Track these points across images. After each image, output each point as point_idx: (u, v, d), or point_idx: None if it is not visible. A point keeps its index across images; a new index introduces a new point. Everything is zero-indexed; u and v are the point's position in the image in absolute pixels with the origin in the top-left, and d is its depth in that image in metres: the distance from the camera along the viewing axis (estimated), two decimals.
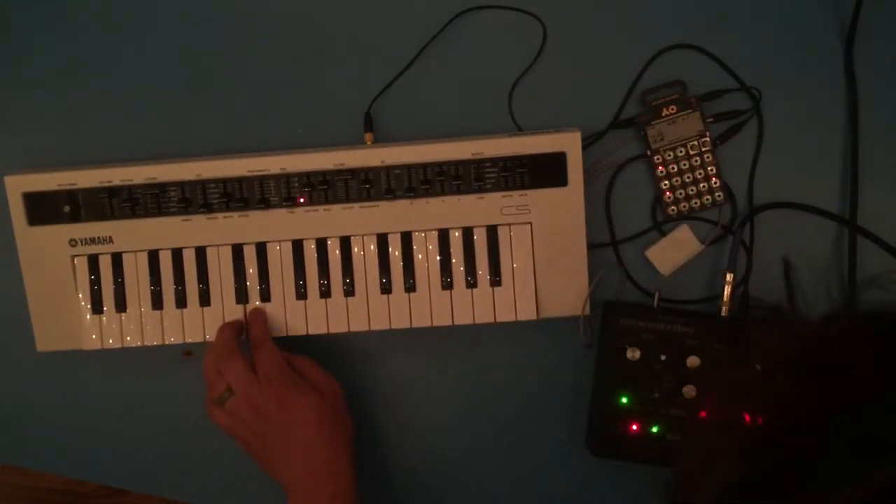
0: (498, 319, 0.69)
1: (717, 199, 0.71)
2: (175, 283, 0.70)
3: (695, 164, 0.71)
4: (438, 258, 0.69)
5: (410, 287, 0.69)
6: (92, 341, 0.71)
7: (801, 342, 0.32)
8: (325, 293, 0.70)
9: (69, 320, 0.71)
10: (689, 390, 0.67)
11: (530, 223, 0.69)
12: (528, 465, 0.74)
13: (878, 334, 0.31)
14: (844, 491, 0.26)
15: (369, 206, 0.69)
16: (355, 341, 0.74)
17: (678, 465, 0.34)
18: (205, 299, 0.70)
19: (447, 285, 0.69)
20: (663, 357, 0.67)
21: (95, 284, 0.70)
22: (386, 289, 0.69)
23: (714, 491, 0.30)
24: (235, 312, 0.70)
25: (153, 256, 0.70)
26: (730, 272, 0.69)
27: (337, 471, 0.64)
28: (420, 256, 0.69)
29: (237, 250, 0.70)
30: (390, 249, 0.69)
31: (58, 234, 0.70)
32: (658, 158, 0.71)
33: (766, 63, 0.71)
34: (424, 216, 0.69)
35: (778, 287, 0.71)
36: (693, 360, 0.67)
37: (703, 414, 0.57)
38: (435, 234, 0.69)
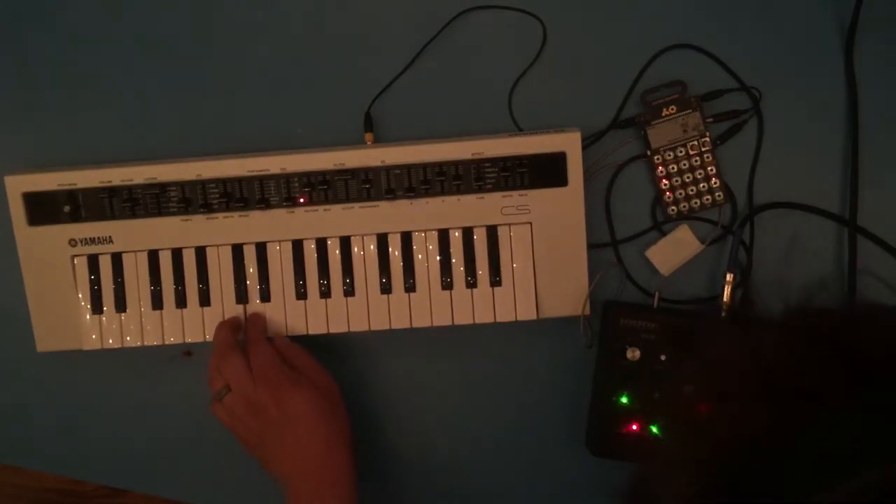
0: (498, 319, 0.69)
1: (717, 199, 0.71)
2: (175, 283, 0.70)
3: (695, 164, 0.71)
4: (438, 258, 0.69)
5: (410, 287, 0.69)
6: (92, 341, 0.71)
7: (752, 363, 0.31)
8: (325, 293, 0.70)
9: (69, 320, 0.71)
10: (689, 390, 0.67)
11: (530, 223, 0.69)
12: (527, 464, 0.74)
13: (826, 339, 0.30)
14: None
15: (369, 206, 0.69)
16: (355, 341, 0.74)
17: (639, 471, 0.34)
18: (205, 299, 0.70)
19: (447, 285, 0.69)
20: (663, 357, 0.67)
21: (95, 284, 0.70)
22: (386, 289, 0.69)
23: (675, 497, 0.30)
24: (235, 312, 0.70)
25: (153, 256, 0.70)
26: (730, 272, 0.69)
27: (335, 463, 0.64)
28: (420, 256, 0.69)
29: (237, 250, 0.70)
30: (390, 249, 0.69)
31: (58, 234, 0.70)
32: (658, 158, 0.71)
33: (766, 63, 0.71)
34: (424, 216, 0.69)
35: (778, 287, 0.71)
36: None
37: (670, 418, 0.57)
38: (435, 234, 0.69)
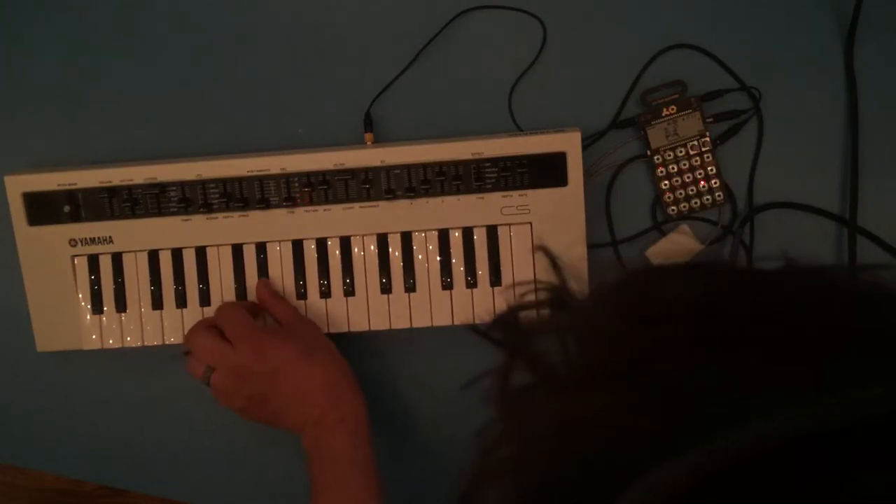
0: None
1: (717, 199, 0.71)
2: (175, 283, 0.70)
3: (695, 164, 0.71)
4: (438, 258, 0.69)
5: (410, 287, 0.69)
6: (92, 341, 0.71)
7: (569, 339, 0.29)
8: (326, 293, 0.70)
9: (69, 320, 0.71)
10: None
11: (530, 223, 0.69)
12: None
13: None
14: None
15: (369, 206, 0.69)
16: (355, 340, 0.74)
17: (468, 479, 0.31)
18: (205, 299, 0.70)
19: (447, 285, 0.69)
20: None
21: (95, 284, 0.70)
22: (386, 289, 0.69)
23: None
24: None
25: (153, 256, 0.70)
26: None
27: (337, 395, 0.63)
28: (420, 256, 0.69)
29: (237, 250, 0.70)
30: (390, 249, 0.69)
31: (58, 234, 0.70)
32: (658, 158, 0.71)
33: (766, 63, 0.71)
34: (424, 216, 0.69)
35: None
36: None
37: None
38: (435, 234, 0.69)
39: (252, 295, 0.70)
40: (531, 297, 0.31)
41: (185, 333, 0.68)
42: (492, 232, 0.69)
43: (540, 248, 0.53)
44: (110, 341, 0.71)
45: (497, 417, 0.29)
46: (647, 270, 0.31)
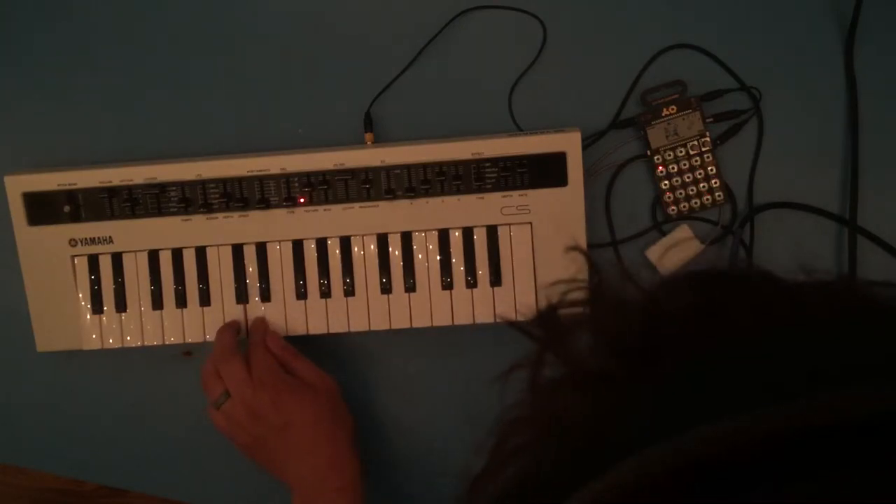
0: (498, 320, 0.69)
1: (717, 199, 0.71)
2: (175, 283, 0.70)
3: (695, 164, 0.71)
4: (438, 258, 0.69)
5: (410, 287, 0.69)
6: (92, 341, 0.71)
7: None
8: (326, 293, 0.70)
9: (69, 320, 0.71)
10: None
11: (530, 223, 0.69)
12: None
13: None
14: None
15: (369, 206, 0.69)
16: (355, 340, 0.74)
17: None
18: (205, 299, 0.70)
19: (447, 285, 0.69)
20: None
21: (95, 284, 0.70)
22: (386, 289, 0.69)
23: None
24: (235, 312, 0.70)
25: (153, 256, 0.70)
26: None
27: (340, 465, 0.64)
28: (420, 256, 0.69)
29: (237, 250, 0.70)
30: (390, 249, 0.69)
31: (58, 234, 0.70)
32: (658, 158, 0.71)
33: (766, 63, 0.71)
34: (424, 216, 0.69)
35: None
36: None
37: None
38: (435, 234, 0.69)
39: (253, 294, 0.70)
40: (574, 296, 0.32)
41: (217, 341, 0.68)
42: (492, 232, 0.69)
43: (574, 248, 0.54)
44: (110, 341, 0.71)
45: (525, 405, 0.30)
46: (674, 279, 0.31)
